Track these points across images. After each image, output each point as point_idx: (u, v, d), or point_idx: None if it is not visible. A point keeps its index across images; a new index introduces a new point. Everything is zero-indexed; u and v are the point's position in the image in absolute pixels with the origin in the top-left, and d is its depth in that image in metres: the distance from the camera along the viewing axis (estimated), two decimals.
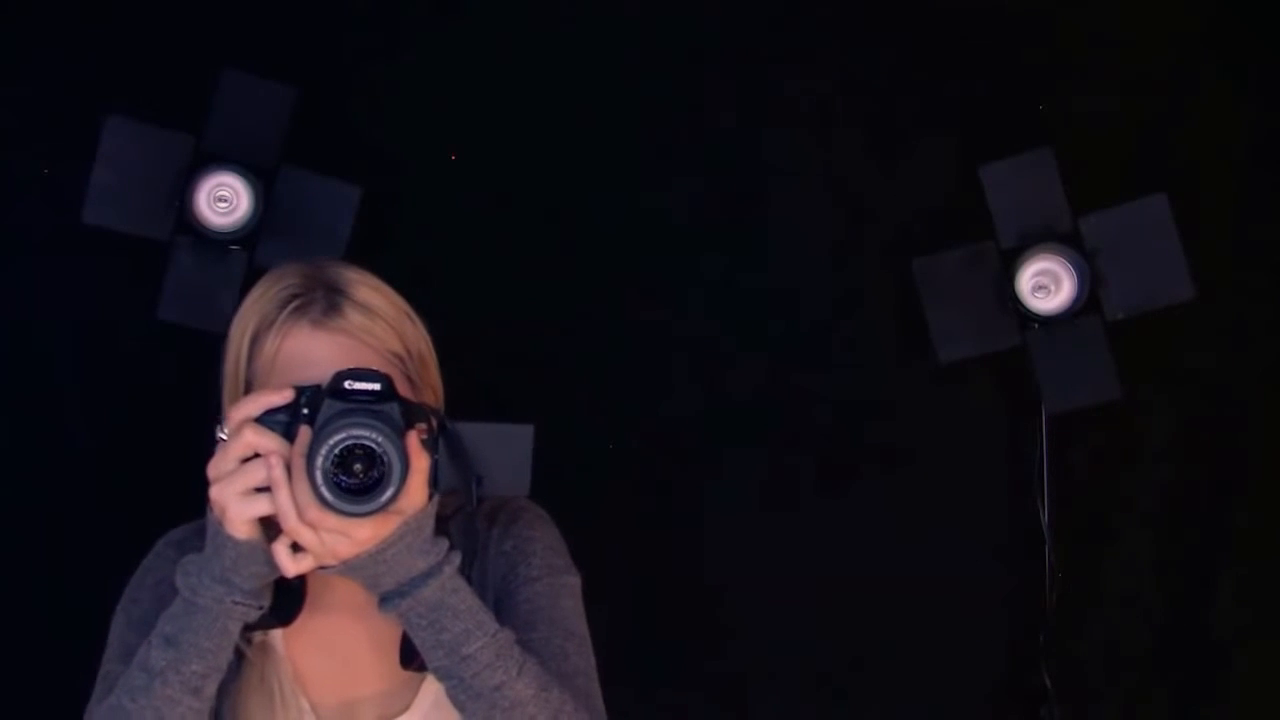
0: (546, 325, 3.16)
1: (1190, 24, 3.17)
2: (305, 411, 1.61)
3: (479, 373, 3.09)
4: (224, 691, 1.71)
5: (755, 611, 3.19)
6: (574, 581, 1.83)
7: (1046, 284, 2.93)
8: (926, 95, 3.19)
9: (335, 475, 1.55)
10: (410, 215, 3.11)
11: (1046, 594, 3.08)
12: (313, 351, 1.70)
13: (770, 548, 3.19)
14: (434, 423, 1.67)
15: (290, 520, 1.58)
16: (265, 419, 1.61)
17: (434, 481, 1.64)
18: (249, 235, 2.88)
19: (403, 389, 1.69)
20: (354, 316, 1.72)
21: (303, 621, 1.75)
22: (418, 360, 1.77)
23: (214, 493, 1.61)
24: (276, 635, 1.78)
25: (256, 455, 1.60)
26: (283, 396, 1.62)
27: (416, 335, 1.78)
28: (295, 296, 1.73)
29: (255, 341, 1.72)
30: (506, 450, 1.76)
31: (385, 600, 1.64)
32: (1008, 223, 2.96)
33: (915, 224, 3.15)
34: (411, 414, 1.62)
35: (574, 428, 3.11)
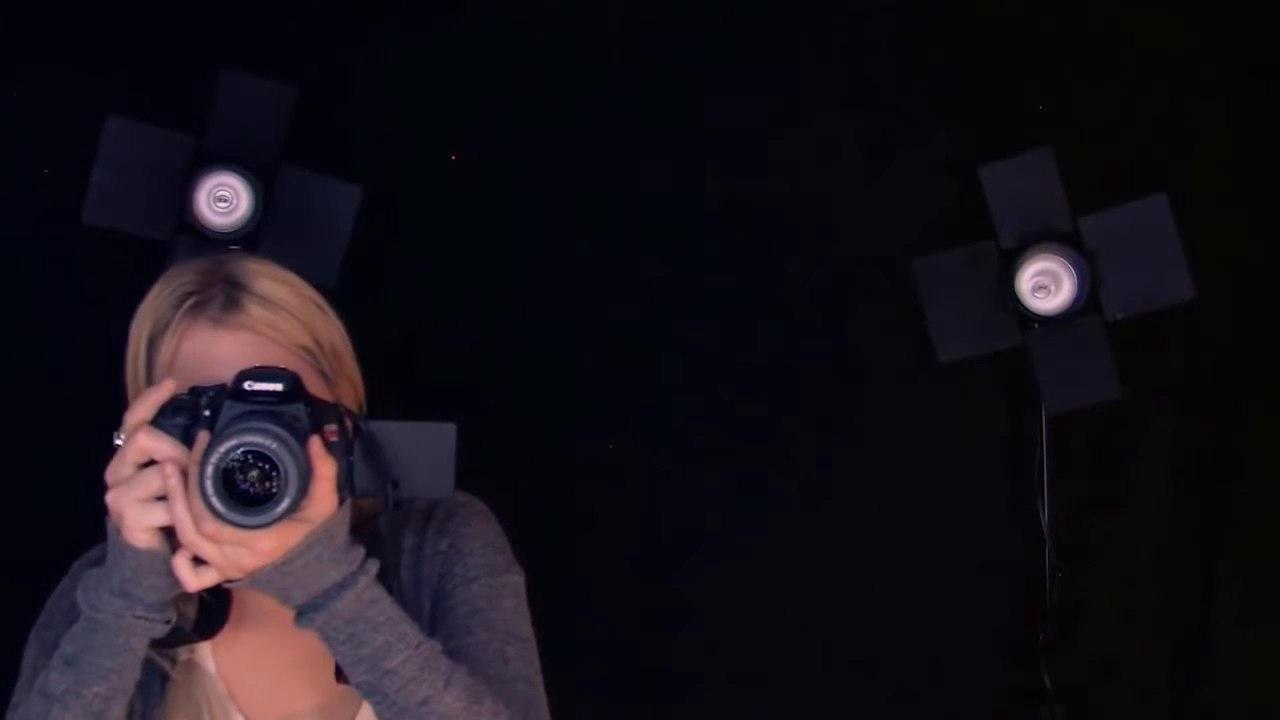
0: (546, 325, 3.16)
1: (1190, 24, 3.17)
2: (206, 414, 1.51)
3: (478, 372, 3.10)
4: (148, 714, 1.64)
5: (754, 612, 3.19)
6: (516, 580, 1.73)
7: (1046, 284, 2.93)
8: (926, 95, 3.19)
9: (230, 484, 1.46)
10: (410, 215, 3.11)
11: (1046, 594, 3.08)
12: (214, 351, 1.61)
13: (769, 548, 3.19)
14: (347, 423, 1.57)
15: (187, 532, 1.48)
16: (164, 423, 1.52)
17: (344, 486, 1.54)
18: (249, 235, 2.88)
19: (314, 385, 1.60)
20: (256, 311, 1.63)
21: (231, 635, 1.67)
22: (330, 353, 1.67)
23: (110, 500, 1.53)
24: (204, 652, 1.69)
25: (153, 461, 1.51)
26: (165, 391, 1.53)
27: (328, 326, 1.68)
28: (190, 294, 1.64)
29: (152, 345, 1.64)
30: (428, 450, 1.63)
31: (300, 614, 1.54)
32: (1008, 223, 2.96)
33: (915, 224, 3.15)
34: (320, 414, 1.53)
35: (574, 427, 3.11)
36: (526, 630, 1.71)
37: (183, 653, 1.67)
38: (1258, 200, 3.17)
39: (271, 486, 1.46)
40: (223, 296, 1.64)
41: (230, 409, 1.50)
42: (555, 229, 3.16)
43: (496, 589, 1.70)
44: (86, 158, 2.86)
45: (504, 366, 3.13)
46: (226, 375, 1.55)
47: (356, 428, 1.58)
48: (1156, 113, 3.17)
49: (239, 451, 1.46)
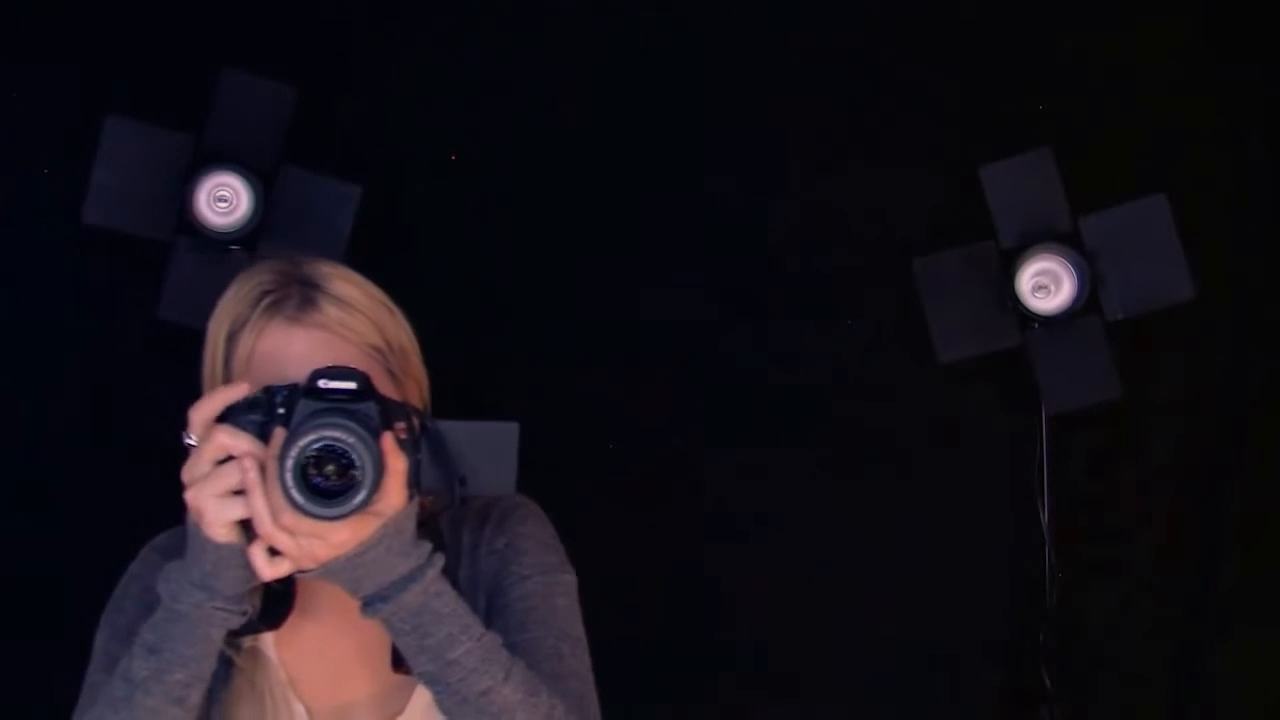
0: (547, 324, 3.16)
1: (1190, 24, 3.17)
2: (281, 412, 1.57)
3: (479, 371, 3.10)
4: (214, 699, 1.69)
5: (753, 612, 3.19)
6: (569, 580, 1.80)
7: (1046, 284, 2.93)
8: (926, 95, 3.19)
9: (307, 477, 1.52)
10: (410, 215, 3.11)
11: (1046, 594, 3.08)
12: (289, 348, 1.68)
13: (769, 548, 3.19)
14: (415, 421, 1.63)
15: (265, 524, 1.54)
16: (239, 420, 1.58)
17: (413, 482, 1.60)
18: (249, 235, 2.88)
19: (383, 384, 1.67)
20: (330, 310, 1.69)
21: (294, 625, 1.73)
22: (399, 353, 1.74)
23: (189, 496, 1.58)
24: (267, 640, 1.76)
25: (231, 457, 1.57)
26: (238, 391, 1.59)
27: (396, 327, 1.75)
28: (268, 293, 1.70)
29: (231, 341, 1.70)
30: (491, 449, 1.69)
31: (367, 605, 1.61)
32: (1008, 223, 2.96)
33: (915, 224, 3.15)
34: (390, 413, 1.59)
35: (575, 426, 3.11)
36: (579, 629, 1.78)
37: (247, 640, 1.73)
38: (1257, 200, 3.17)
39: (349, 480, 1.52)
40: (298, 296, 1.70)
41: (305, 406, 1.55)
42: (555, 229, 3.16)
43: (551, 587, 1.77)
44: (86, 158, 2.86)
45: (505, 366, 3.13)
46: (300, 371, 1.61)
47: (424, 426, 1.64)
48: (1156, 113, 3.17)
49: (317, 446, 1.52)
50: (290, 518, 1.53)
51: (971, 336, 3.00)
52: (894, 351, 3.18)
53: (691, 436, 3.20)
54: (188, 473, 1.58)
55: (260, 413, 1.58)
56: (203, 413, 1.59)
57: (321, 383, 1.57)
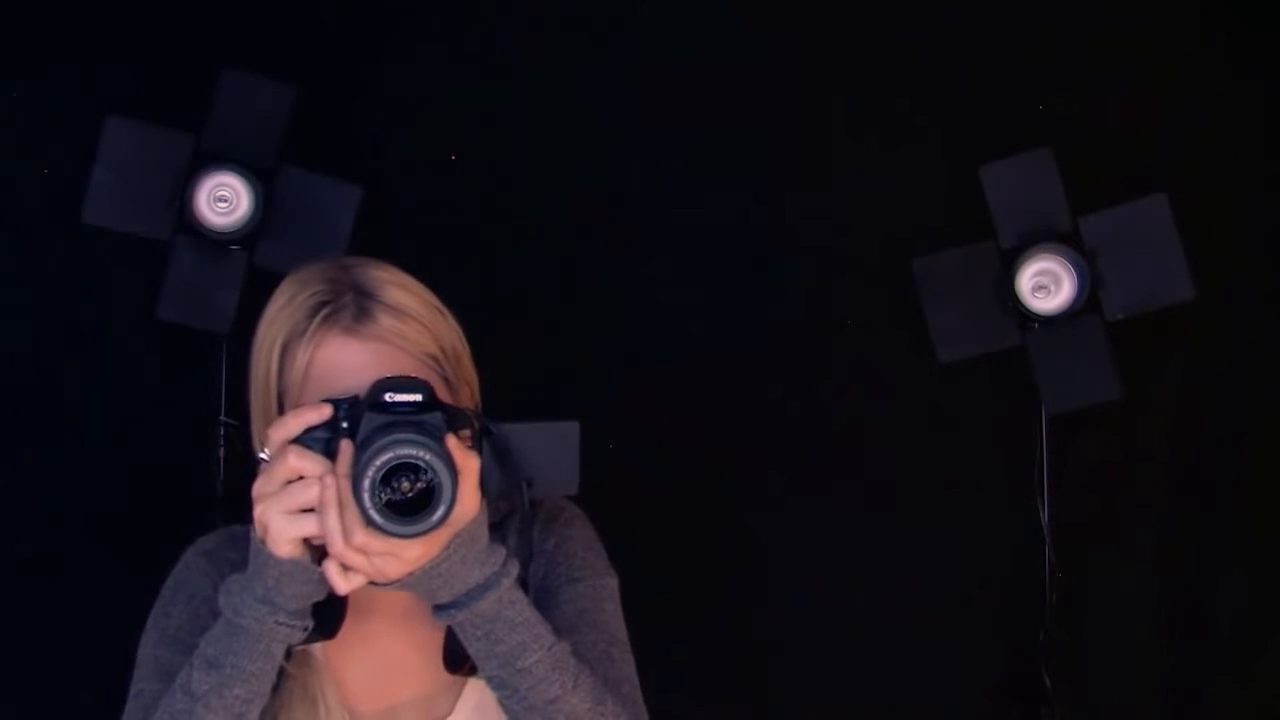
0: (547, 324, 3.16)
1: (1191, 24, 3.17)
2: (345, 425, 1.55)
3: (478, 372, 3.10)
4: (266, 705, 1.66)
5: (752, 611, 3.19)
6: (613, 584, 1.79)
7: (1046, 284, 2.93)
8: (927, 95, 3.19)
9: (383, 495, 1.49)
10: (410, 215, 3.11)
11: (1046, 594, 3.08)
12: (347, 360, 1.65)
13: (768, 547, 3.19)
14: (477, 426, 1.61)
15: (337, 544, 1.52)
16: (304, 437, 1.56)
17: (482, 488, 1.57)
18: (249, 235, 2.88)
19: (441, 392, 1.65)
20: (386, 321, 1.67)
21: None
22: (453, 358, 1.73)
23: (258, 512, 1.55)
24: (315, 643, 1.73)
25: (301, 477, 1.54)
26: (320, 414, 1.57)
27: (450, 332, 1.75)
28: (325, 304, 1.67)
29: (286, 352, 1.67)
30: (553, 449, 1.67)
31: (440, 610, 1.59)
32: (1008, 223, 2.96)
33: (915, 224, 3.15)
34: (455, 421, 1.56)
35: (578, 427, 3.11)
36: (624, 633, 1.77)
37: (298, 647, 1.71)
38: (1258, 201, 3.18)
39: (425, 495, 1.49)
40: (354, 306, 1.67)
41: (370, 420, 1.53)
42: (556, 229, 3.16)
43: (599, 590, 1.76)
44: (86, 158, 2.86)
45: (505, 366, 3.12)
46: (357, 384, 1.59)
47: (487, 430, 1.63)
48: (1156, 113, 3.17)
49: (393, 462, 1.49)
50: (363, 536, 1.51)
51: (971, 336, 3.00)
52: (894, 351, 3.18)
53: (688, 435, 3.20)
54: (258, 489, 1.56)
55: (324, 429, 1.56)
56: (282, 432, 1.57)
57: (387, 396, 1.54)
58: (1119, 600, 3.22)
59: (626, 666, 1.73)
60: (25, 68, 3.03)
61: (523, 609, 1.60)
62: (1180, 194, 2.95)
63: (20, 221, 3.03)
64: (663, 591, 3.17)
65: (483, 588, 1.58)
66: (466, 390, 1.75)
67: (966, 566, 3.18)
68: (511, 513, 1.68)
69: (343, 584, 1.55)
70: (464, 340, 1.76)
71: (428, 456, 1.49)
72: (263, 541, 1.56)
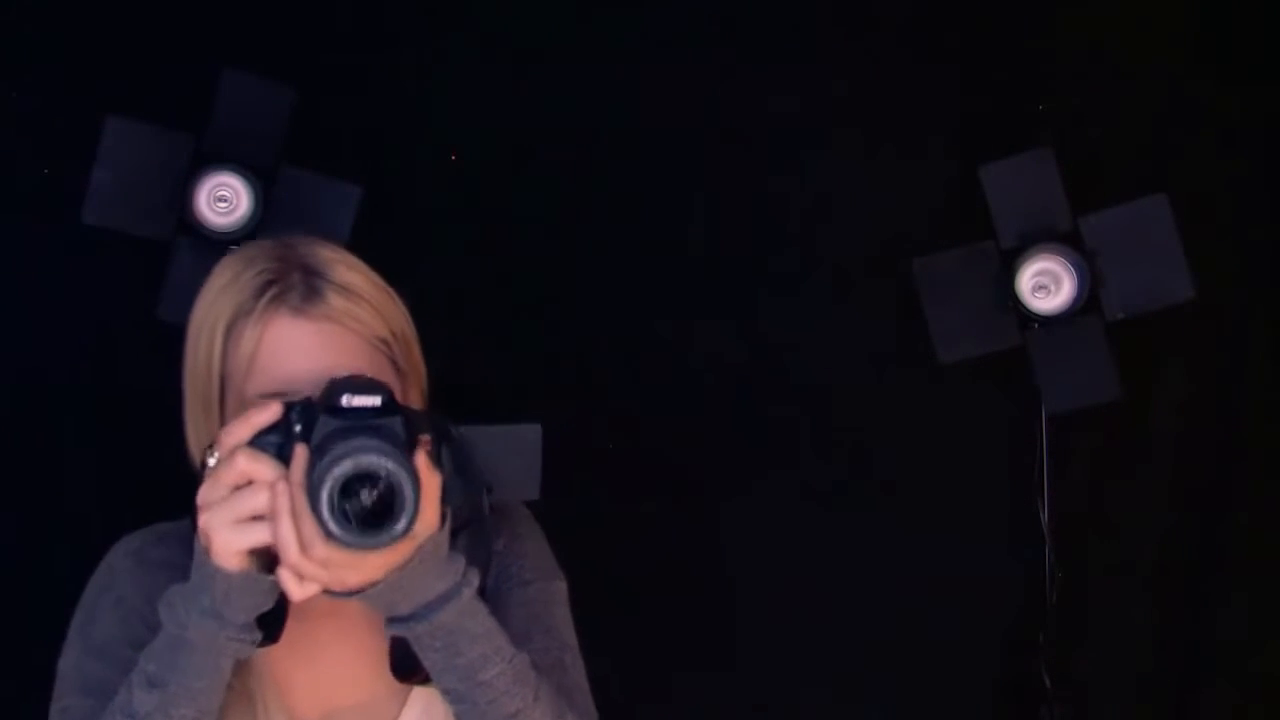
0: (548, 324, 3.16)
1: (1190, 23, 3.17)
2: (298, 429, 1.46)
3: (479, 372, 3.10)
4: None
5: (750, 611, 3.19)
6: (563, 587, 1.73)
7: (1046, 284, 2.93)
8: (926, 95, 3.19)
9: (341, 506, 1.41)
10: (410, 215, 3.11)
11: (1046, 594, 3.08)
12: (296, 342, 1.58)
13: (768, 547, 3.19)
14: (437, 432, 1.53)
15: (291, 554, 1.44)
16: (255, 441, 1.47)
17: (445, 498, 1.50)
18: (249, 235, 2.88)
19: (388, 378, 1.58)
20: (336, 301, 1.60)
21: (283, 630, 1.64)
22: (403, 343, 1.66)
23: (203, 522, 1.47)
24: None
25: (250, 482, 1.46)
26: (271, 415, 1.49)
27: (399, 315, 1.67)
28: (272, 283, 1.60)
29: (230, 333, 1.60)
30: (514, 452, 1.63)
31: (395, 622, 1.51)
32: (1008, 223, 2.96)
33: (915, 224, 3.15)
34: (414, 425, 1.48)
35: (575, 425, 3.11)
36: (575, 639, 1.71)
37: None
38: (1257, 200, 3.17)
39: (386, 506, 1.41)
40: (302, 285, 1.60)
41: (326, 423, 1.45)
42: (556, 229, 3.16)
43: (550, 595, 1.71)
44: (86, 158, 2.86)
45: (505, 367, 3.13)
46: (306, 368, 1.53)
47: (447, 434, 1.55)
48: (1156, 113, 3.16)
49: (353, 473, 1.41)
50: (323, 549, 1.43)
51: (971, 336, 3.00)
52: (894, 351, 3.18)
53: (689, 436, 3.20)
54: (203, 496, 1.48)
55: (277, 433, 1.48)
56: (233, 437, 1.48)
57: (344, 399, 1.46)
58: (1119, 601, 3.22)
59: (578, 674, 1.68)
60: (25, 68, 3.03)
61: (483, 620, 1.53)
62: (1180, 194, 2.95)
63: (20, 221, 3.03)
64: (662, 594, 3.17)
65: (443, 599, 1.50)
66: (415, 379, 1.68)
67: (966, 566, 3.18)
68: (470, 520, 1.59)
69: (298, 592, 1.47)
70: (413, 327, 1.68)
71: (389, 465, 1.40)
72: (207, 553, 1.47)
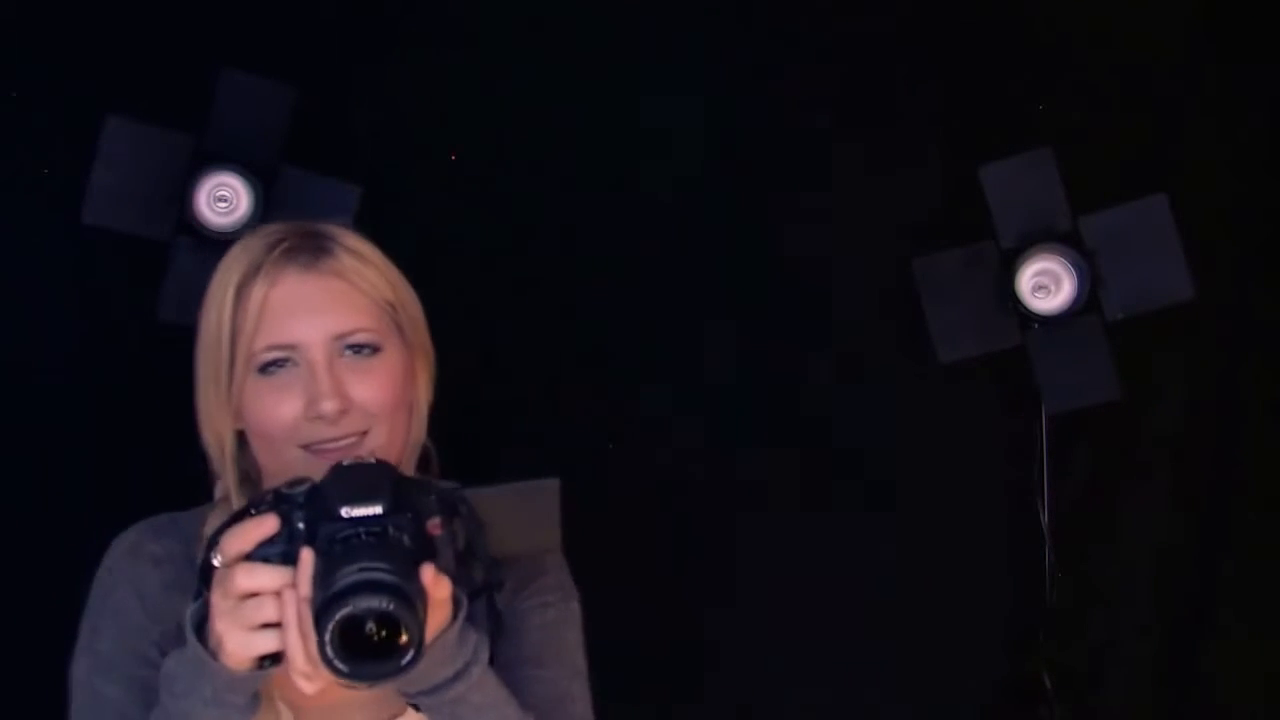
0: (547, 325, 3.16)
1: (1190, 23, 3.17)
2: (301, 526, 1.47)
3: (480, 374, 3.10)
4: None
5: (752, 611, 3.19)
6: (577, 609, 1.75)
7: (1046, 284, 2.93)
8: (926, 95, 3.19)
9: (345, 642, 1.40)
10: (410, 215, 3.11)
11: (1046, 594, 3.08)
12: (304, 297, 1.62)
13: (768, 548, 3.19)
14: (444, 506, 1.51)
15: (300, 664, 1.46)
16: (262, 552, 1.48)
17: (458, 598, 1.50)
18: None
19: (394, 344, 1.62)
20: (346, 259, 1.65)
21: None
22: (411, 319, 1.70)
23: (214, 626, 1.48)
24: None
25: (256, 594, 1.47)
26: (269, 528, 1.48)
27: (407, 291, 1.71)
28: (282, 241, 1.65)
29: (240, 292, 1.63)
30: (532, 508, 1.59)
31: (404, 693, 1.56)
32: (1008, 223, 2.96)
33: (915, 224, 3.15)
34: (420, 516, 1.47)
35: (575, 427, 3.11)
36: (584, 661, 1.73)
37: None
38: (1257, 201, 3.17)
39: (391, 640, 1.41)
40: (312, 244, 1.65)
41: (329, 529, 1.45)
42: (556, 229, 3.16)
43: (566, 616, 1.73)
44: (86, 158, 2.86)
45: (505, 367, 3.13)
46: (314, 322, 1.57)
47: (456, 509, 1.53)
48: (1156, 113, 3.16)
49: (355, 615, 1.40)
50: (329, 673, 1.44)
51: (971, 336, 3.00)
52: (894, 351, 3.18)
53: (689, 436, 3.20)
54: (215, 602, 1.49)
55: (281, 542, 1.48)
56: (235, 545, 1.49)
57: (344, 511, 1.44)
58: (1119, 601, 3.22)
59: (583, 705, 1.70)
60: (25, 68, 3.03)
61: (491, 691, 1.56)
62: (1180, 194, 2.95)
63: (20, 221, 3.03)
64: (656, 590, 3.18)
65: (453, 679, 1.53)
66: (424, 359, 1.71)
67: (966, 566, 3.18)
68: (482, 585, 1.60)
69: (309, 689, 1.49)
70: (422, 312, 1.72)
71: (392, 607, 1.39)
72: (216, 654, 1.49)
